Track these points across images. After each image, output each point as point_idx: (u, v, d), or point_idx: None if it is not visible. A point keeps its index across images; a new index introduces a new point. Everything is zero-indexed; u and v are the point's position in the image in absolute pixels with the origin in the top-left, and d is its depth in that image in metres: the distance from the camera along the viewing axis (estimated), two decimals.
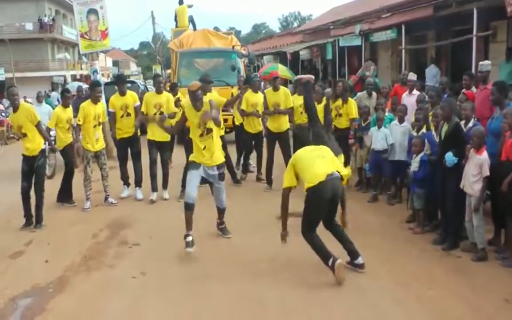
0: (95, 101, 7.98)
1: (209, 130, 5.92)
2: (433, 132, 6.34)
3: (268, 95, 8.87)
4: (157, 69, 34.39)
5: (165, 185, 8.44)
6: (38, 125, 7.05)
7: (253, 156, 9.80)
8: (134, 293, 4.94)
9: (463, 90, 7.71)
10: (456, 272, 5.17)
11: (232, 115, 10.71)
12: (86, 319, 4.56)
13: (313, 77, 7.77)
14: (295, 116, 8.86)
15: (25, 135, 7.04)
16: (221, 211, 6.44)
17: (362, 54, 15.20)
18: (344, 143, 8.16)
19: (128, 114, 8.32)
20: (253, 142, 9.44)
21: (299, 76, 9.38)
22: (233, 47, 14.35)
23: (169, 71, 19.14)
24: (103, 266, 5.65)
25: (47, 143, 7.33)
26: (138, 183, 8.53)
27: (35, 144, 7.06)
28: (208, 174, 6.01)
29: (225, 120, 10.20)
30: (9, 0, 37.38)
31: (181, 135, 8.18)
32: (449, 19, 11.38)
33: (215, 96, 6.96)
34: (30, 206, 7.17)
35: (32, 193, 7.19)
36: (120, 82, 8.51)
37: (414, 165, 6.48)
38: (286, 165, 5.60)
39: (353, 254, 5.25)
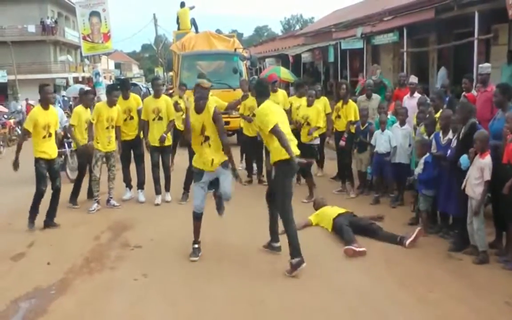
0: (111, 104, 7.97)
1: (207, 138, 5.74)
2: (440, 134, 6.35)
3: None
4: (159, 71, 34.37)
5: (167, 188, 8.45)
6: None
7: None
8: (135, 295, 4.94)
9: (464, 93, 7.73)
10: (458, 275, 5.18)
11: (234, 117, 10.73)
12: None
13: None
14: (292, 116, 8.85)
15: (50, 135, 7.06)
16: (223, 201, 6.00)
17: (364, 57, 15.23)
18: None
19: (131, 117, 8.36)
20: (253, 145, 9.43)
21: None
22: (235, 49, 14.37)
23: (171, 73, 19.20)
24: (105, 268, 5.66)
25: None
26: (141, 185, 8.55)
27: (55, 146, 7.24)
28: (211, 175, 5.87)
29: (227, 123, 10.20)
30: (12, 2, 37.51)
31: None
32: (451, 22, 11.40)
33: (216, 100, 6.89)
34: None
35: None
36: (123, 88, 8.52)
37: (419, 167, 6.49)
38: None
39: (274, 235, 5.60)
